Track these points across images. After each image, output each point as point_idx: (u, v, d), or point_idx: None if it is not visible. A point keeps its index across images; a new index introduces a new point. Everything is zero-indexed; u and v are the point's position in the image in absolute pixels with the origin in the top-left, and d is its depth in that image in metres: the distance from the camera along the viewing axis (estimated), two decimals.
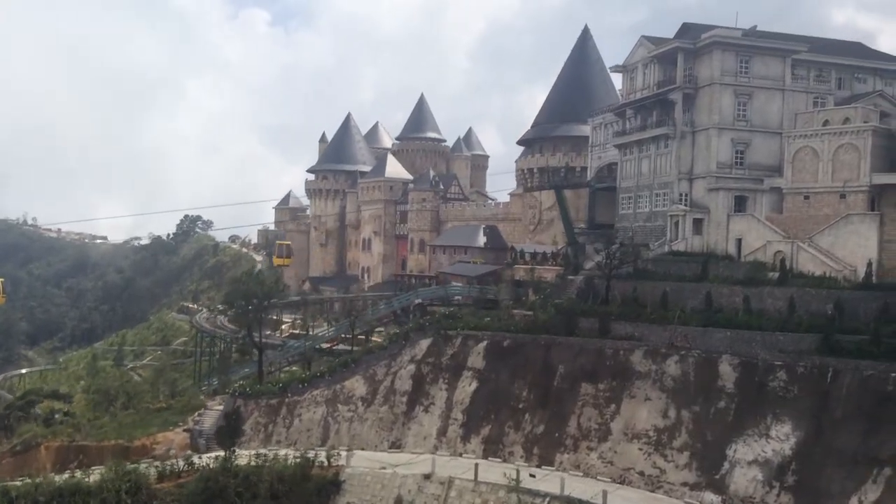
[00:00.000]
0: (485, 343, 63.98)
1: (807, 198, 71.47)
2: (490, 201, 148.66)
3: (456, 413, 61.25)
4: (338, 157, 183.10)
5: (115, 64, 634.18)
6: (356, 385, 65.33)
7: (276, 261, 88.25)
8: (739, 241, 72.70)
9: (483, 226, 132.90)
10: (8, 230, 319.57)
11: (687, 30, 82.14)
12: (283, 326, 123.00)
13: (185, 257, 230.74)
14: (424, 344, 65.86)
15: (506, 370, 62.23)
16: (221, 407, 68.63)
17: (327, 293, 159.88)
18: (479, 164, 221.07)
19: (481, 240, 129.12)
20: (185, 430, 66.16)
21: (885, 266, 63.28)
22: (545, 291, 72.75)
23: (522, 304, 71.81)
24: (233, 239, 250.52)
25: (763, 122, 76.27)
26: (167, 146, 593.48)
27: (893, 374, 49.18)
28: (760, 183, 74.89)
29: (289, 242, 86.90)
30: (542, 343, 62.28)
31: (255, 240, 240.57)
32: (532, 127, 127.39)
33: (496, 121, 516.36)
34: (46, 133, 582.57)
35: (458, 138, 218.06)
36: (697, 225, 75.70)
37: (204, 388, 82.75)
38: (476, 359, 63.44)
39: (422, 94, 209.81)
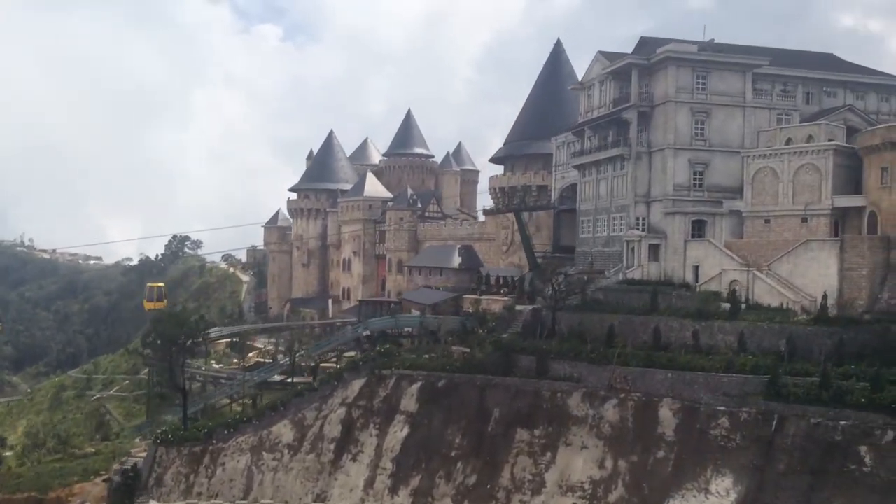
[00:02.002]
0: (419, 384, 60.08)
1: (767, 221, 67.31)
2: (464, 220, 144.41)
3: (385, 462, 57.23)
4: (320, 176, 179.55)
5: (124, 80, 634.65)
6: (283, 431, 61.43)
7: (147, 305, 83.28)
8: (697, 268, 68.48)
9: (459, 246, 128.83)
10: (1, 252, 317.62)
11: (644, 44, 78.22)
12: (251, 354, 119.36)
13: (172, 278, 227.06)
14: (357, 385, 61.98)
15: (440, 414, 58.27)
16: (146, 454, 64.81)
17: (308, 315, 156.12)
18: (469, 179, 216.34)
19: (456, 260, 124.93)
20: (104, 481, 62.32)
21: (846, 296, 58.93)
22: (489, 325, 68.66)
23: (468, 337, 67.70)
24: (226, 259, 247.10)
25: (723, 141, 72.05)
26: (176, 162, 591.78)
27: (842, 423, 45.24)
28: (720, 206, 70.69)
29: (161, 284, 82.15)
30: (478, 384, 58.43)
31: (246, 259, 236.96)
32: (504, 144, 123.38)
33: (503, 131, 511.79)
34: (52, 151, 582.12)
35: (447, 153, 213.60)
36: (654, 251, 71.53)
37: (146, 430, 78.59)
38: (409, 401, 59.47)
39: (409, 110, 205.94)
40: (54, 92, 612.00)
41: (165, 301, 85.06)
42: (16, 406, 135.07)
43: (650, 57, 72.52)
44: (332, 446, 59.10)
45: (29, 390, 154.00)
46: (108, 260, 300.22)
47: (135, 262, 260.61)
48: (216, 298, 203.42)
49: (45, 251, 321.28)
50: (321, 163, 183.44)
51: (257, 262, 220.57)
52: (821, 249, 60.34)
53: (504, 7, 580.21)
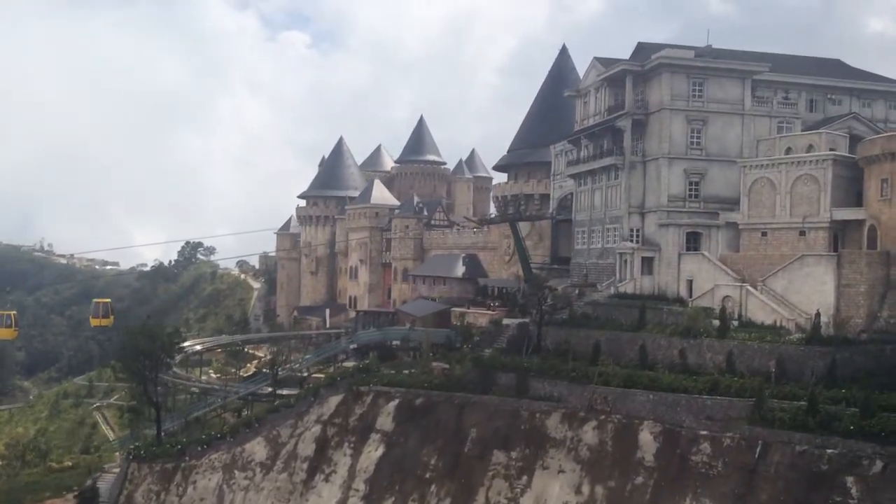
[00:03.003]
0: (396, 402, 58.07)
1: (764, 234, 64.61)
2: (470, 229, 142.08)
3: (358, 483, 55.23)
4: (329, 183, 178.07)
5: (149, 87, 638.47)
6: (257, 448, 59.58)
7: (94, 321, 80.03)
8: (691, 282, 65.90)
9: (463, 255, 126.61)
10: (19, 257, 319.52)
11: (641, 50, 75.73)
12: (251, 364, 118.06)
13: (183, 285, 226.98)
14: (334, 402, 60.05)
15: (416, 433, 56.19)
16: (119, 470, 63.19)
17: (314, 324, 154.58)
18: (483, 186, 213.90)
19: (460, 270, 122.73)
20: (75, 496, 60.77)
21: (843, 314, 56.11)
22: (474, 339, 66.45)
23: (451, 352, 65.53)
24: (241, 265, 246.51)
25: (720, 151, 69.50)
26: (200, 168, 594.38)
27: (829, 451, 42.55)
28: (716, 217, 68.07)
29: (108, 300, 79.21)
30: (457, 402, 56.34)
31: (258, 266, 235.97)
32: (508, 152, 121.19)
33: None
34: (75, 156, 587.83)
35: (461, 160, 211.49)
36: (648, 264, 69.02)
37: (127, 444, 76.61)
38: (385, 420, 57.43)
39: (421, 117, 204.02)
40: (78, 98, 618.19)
41: (112, 317, 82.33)
42: (18, 413, 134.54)
43: (644, 63, 70.14)
44: (304, 465, 57.19)
45: (31, 397, 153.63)
46: (128, 266, 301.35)
47: (149, 268, 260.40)
48: (225, 305, 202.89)
49: (62, 256, 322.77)
50: (330, 170, 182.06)
51: (269, 269, 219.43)
52: (817, 265, 57.59)
53: (527, 14, 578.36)
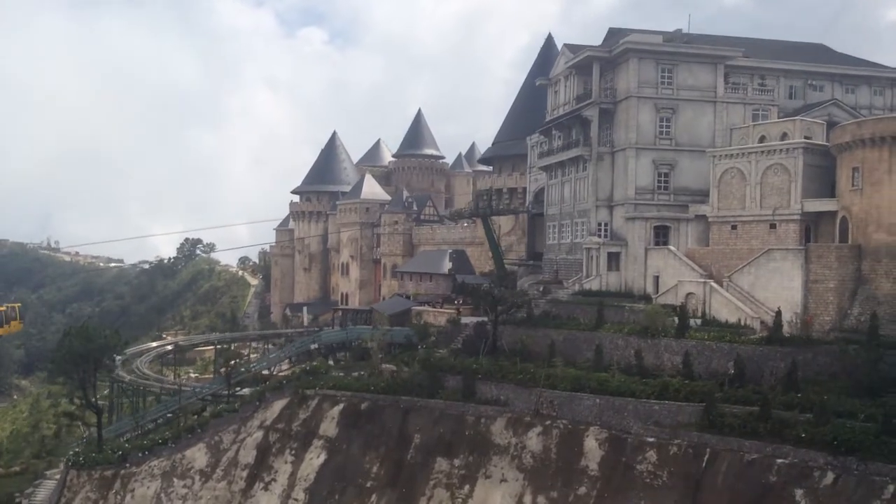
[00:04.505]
0: (341, 406, 55.43)
1: (734, 228, 61.42)
2: (456, 224, 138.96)
3: (297, 492, 52.63)
4: (322, 178, 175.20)
5: (165, 85, 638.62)
6: (197, 455, 57.05)
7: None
8: (657, 278, 62.77)
9: (450, 250, 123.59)
10: (24, 254, 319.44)
11: (612, 35, 72.54)
12: (233, 362, 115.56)
13: (182, 281, 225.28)
14: (278, 406, 57.43)
15: (359, 439, 53.53)
16: (59, 477, 60.86)
17: (305, 321, 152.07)
18: (483, 180, 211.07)
19: (447, 265, 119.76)
20: None
21: (812, 311, 52.88)
22: (430, 339, 63.62)
23: (404, 353, 62.70)
24: (243, 262, 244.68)
25: (691, 140, 66.26)
26: (217, 165, 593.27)
27: (779, 461, 39.59)
28: (686, 210, 64.87)
29: (17, 305, 75.48)
30: (402, 407, 53.52)
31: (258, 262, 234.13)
32: (493, 144, 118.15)
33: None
34: (93, 154, 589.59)
35: (460, 154, 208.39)
36: (615, 259, 65.88)
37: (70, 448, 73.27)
38: (329, 425, 54.79)
39: (419, 110, 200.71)
40: (94, 97, 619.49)
41: (20, 322, 78.86)
42: (1, 413, 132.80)
43: (612, 49, 66.94)
44: (244, 473, 54.65)
45: (15, 396, 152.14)
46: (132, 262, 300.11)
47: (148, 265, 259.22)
48: (221, 303, 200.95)
49: (66, 253, 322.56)
50: (323, 164, 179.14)
51: (267, 266, 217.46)
52: (784, 259, 54.28)
53: (540, 9, 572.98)
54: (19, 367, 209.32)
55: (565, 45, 74.02)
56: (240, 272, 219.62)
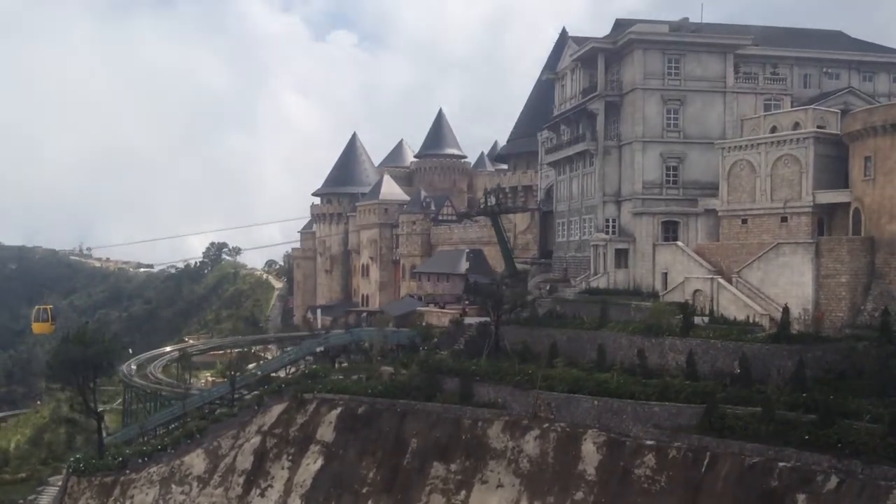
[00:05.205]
0: (338, 410, 54.35)
1: (744, 222, 59.33)
2: (472, 223, 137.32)
3: (294, 498, 51.67)
4: (342, 180, 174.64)
5: (199, 90, 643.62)
6: (196, 461, 56.31)
7: (36, 327, 77.27)
8: (666, 275, 60.86)
9: (467, 250, 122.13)
10: (56, 260, 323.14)
11: (619, 27, 70.57)
12: (251, 366, 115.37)
13: (208, 286, 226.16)
14: (277, 410, 56.52)
15: (356, 444, 52.46)
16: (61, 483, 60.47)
17: (319, 323, 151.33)
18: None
19: (464, 266, 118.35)
20: None
21: (823, 307, 50.77)
22: (433, 341, 62.30)
23: (407, 355, 61.45)
24: (270, 264, 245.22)
25: (701, 132, 64.19)
26: (251, 169, 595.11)
27: (781, 464, 37.70)
28: (695, 205, 62.87)
29: (50, 306, 76.67)
30: (399, 410, 52.29)
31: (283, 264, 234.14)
32: (507, 142, 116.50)
33: None
34: (127, 160, 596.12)
35: (482, 153, 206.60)
36: (623, 256, 64.09)
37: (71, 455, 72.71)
38: (326, 429, 53.73)
39: (440, 110, 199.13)
40: (127, 102, 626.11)
41: (52, 324, 79.65)
42: (23, 419, 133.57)
43: (617, 40, 65.14)
44: (241, 479, 53.73)
45: (38, 402, 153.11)
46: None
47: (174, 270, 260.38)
48: (246, 307, 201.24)
49: (98, 259, 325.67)
50: (343, 166, 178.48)
51: (291, 269, 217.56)
52: (794, 253, 52.16)
53: (569, 6, 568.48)
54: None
55: (571, 37, 72.48)
56: (264, 275, 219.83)
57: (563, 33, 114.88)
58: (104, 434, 79.62)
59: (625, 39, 63.73)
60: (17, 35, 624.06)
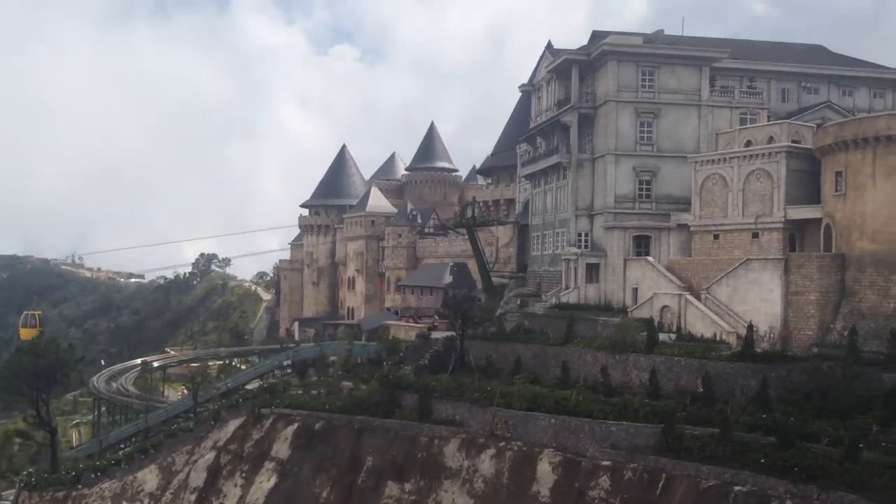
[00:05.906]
0: (295, 426, 52.86)
1: (716, 237, 58.11)
2: (458, 236, 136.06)
3: None
4: (330, 192, 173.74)
5: (203, 101, 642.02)
6: (149, 477, 54.86)
7: (23, 333, 77.32)
8: (636, 290, 59.55)
9: (451, 263, 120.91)
10: (48, 270, 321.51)
11: (595, 38, 69.54)
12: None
13: (196, 297, 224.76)
14: (233, 425, 55.07)
15: (311, 461, 50.92)
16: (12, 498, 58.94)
17: (297, 335, 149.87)
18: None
19: (447, 279, 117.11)
20: None
21: (792, 326, 49.48)
22: (399, 355, 60.92)
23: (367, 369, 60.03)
24: (260, 276, 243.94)
25: (675, 146, 63.07)
26: (249, 182, 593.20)
27: (736, 488, 36.20)
28: (667, 219, 61.64)
29: (38, 312, 76.55)
30: (356, 427, 50.79)
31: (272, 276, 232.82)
32: (491, 155, 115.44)
33: None
34: (125, 171, 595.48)
35: (473, 166, 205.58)
36: (593, 271, 62.79)
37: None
38: (282, 446, 52.23)
39: (432, 123, 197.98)
40: (125, 114, 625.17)
41: (40, 328, 79.12)
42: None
43: (591, 52, 64.09)
44: (192, 497, 52.15)
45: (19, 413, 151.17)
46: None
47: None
48: (232, 318, 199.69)
49: (88, 269, 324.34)
50: (332, 178, 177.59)
51: (279, 281, 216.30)
52: (762, 270, 50.91)
53: (567, 21, 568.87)
54: None
55: (547, 48, 71.54)
56: (253, 287, 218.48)
57: (549, 46, 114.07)
58: (70, 448, 78.24)
59: (598, 51, 62.69)
60: (12, 44, 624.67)
